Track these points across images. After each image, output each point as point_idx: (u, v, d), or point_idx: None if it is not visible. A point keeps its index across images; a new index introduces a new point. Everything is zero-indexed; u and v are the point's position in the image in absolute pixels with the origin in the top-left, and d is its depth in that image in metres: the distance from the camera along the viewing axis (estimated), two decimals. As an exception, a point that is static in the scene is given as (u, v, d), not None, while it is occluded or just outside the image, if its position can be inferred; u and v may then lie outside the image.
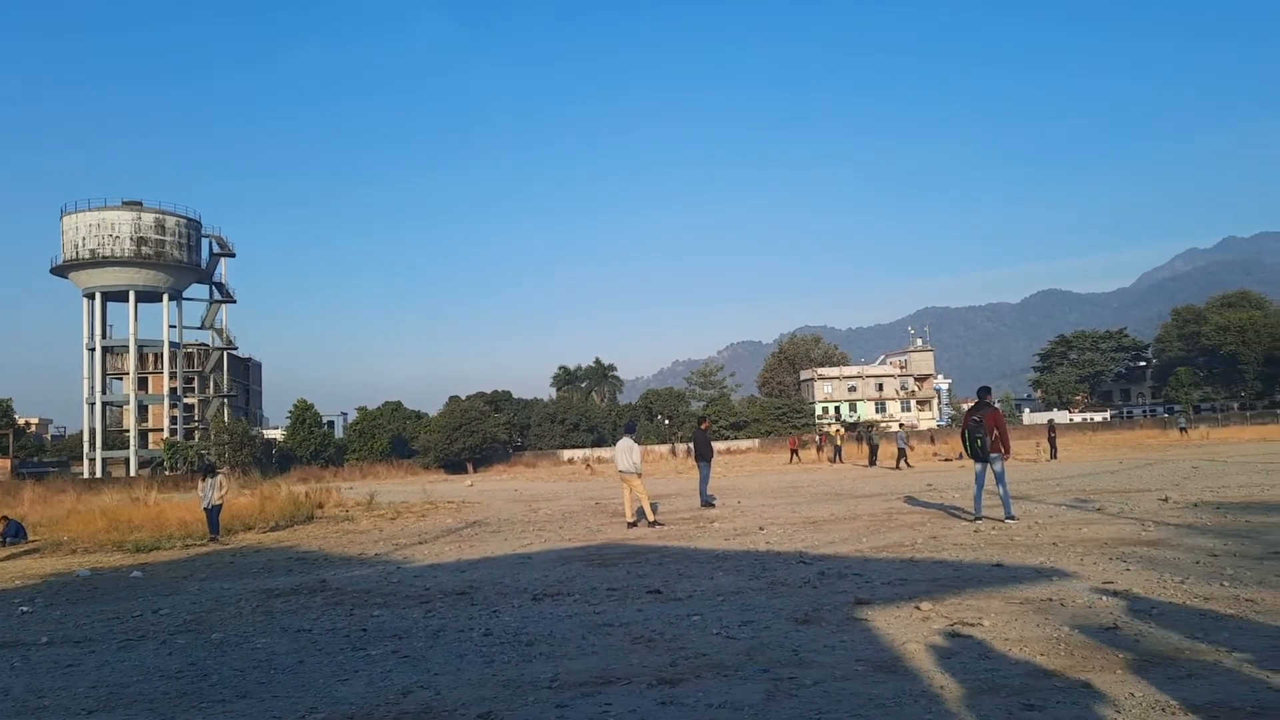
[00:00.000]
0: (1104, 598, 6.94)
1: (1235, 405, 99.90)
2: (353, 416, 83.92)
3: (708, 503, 18.70)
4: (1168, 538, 10.20)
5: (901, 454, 33.99)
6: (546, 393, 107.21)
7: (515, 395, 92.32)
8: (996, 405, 13.77)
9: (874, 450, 37.38)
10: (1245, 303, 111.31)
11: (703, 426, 20.88)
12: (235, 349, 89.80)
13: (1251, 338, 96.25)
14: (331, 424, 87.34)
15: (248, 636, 7.54)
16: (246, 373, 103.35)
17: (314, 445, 75.13)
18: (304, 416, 76.91)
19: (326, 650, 6.80)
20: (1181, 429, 60.05)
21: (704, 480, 19.36)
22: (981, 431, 13.08)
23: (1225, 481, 18.08)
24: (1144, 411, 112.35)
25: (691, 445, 22.14)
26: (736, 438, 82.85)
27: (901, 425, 62.38)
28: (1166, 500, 14.57)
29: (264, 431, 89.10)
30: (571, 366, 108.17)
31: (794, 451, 50.01)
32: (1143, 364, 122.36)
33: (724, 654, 5.91)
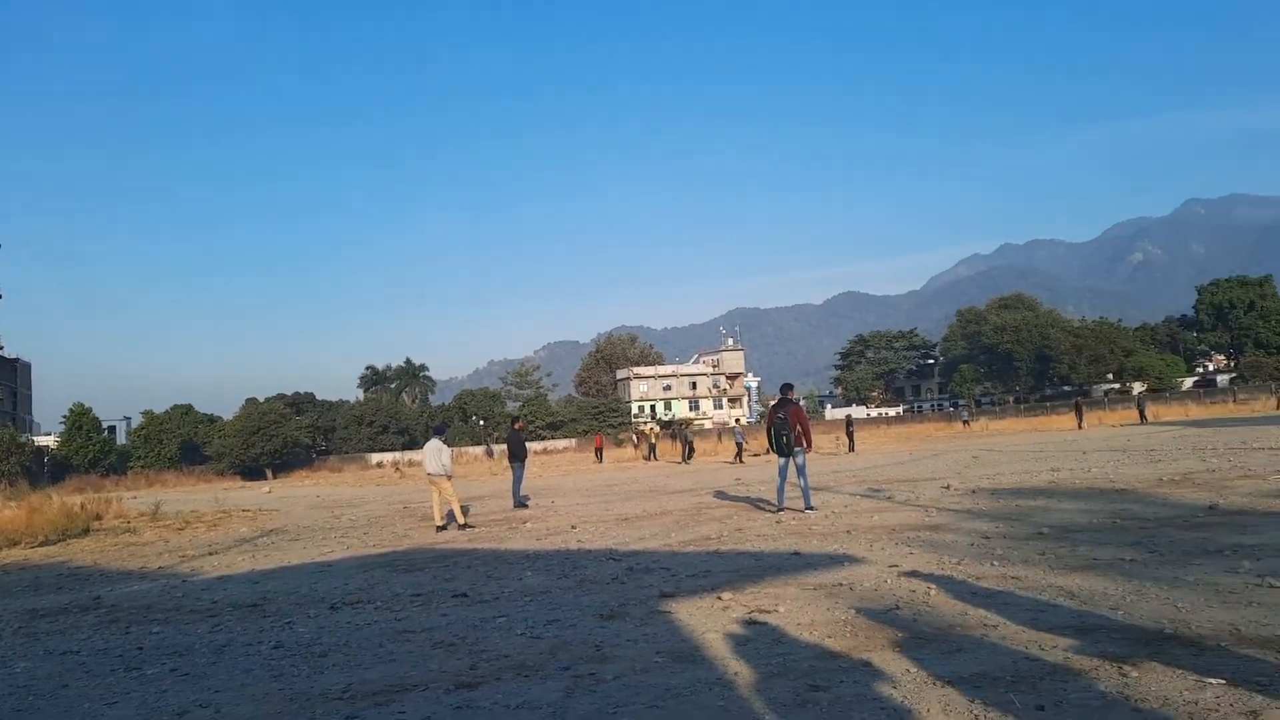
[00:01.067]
0: (888, 580, 7.35)
1: (1011, 399, 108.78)
2: (138, 421, 78.07)
3: (521, 504, 18.56)
4: (948, 522, 10.93)
5: (740, 449, 34.87)
6: (354, 394, 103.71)
7: (319, 397, 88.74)
8: (799, 402, 14.36)
9: (688, 447, 38.26)
10: (1019, 305, 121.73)
11: (516, 427, 20.75)
12: (1, 348, 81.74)
13: (1025, 336, 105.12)
14: (113, 429, 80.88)
15: (5, 661, 6.82)
16: (14, 374, 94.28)
17: (93, 453, 69.32)
18: (81, 422, 70.81)
19: (95, 672, 6.25)
20: (964, 422, 64.89)
21: (517, 481, 19.21)
22: (786, 428, 13.58)
23: (1000, 469, 19.61)
24: (932, 406, 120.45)
25: (505, 446, 21.96)
26: (553, 438, 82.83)
27: (738, 421, 64.76)
28: (948, 488, 15.64)
29: (34, 438, 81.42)
30: (380, 367, 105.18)
31: (599, 450, 49.83)
32: (931, 361, 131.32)
33: (527, 654, 5.84)
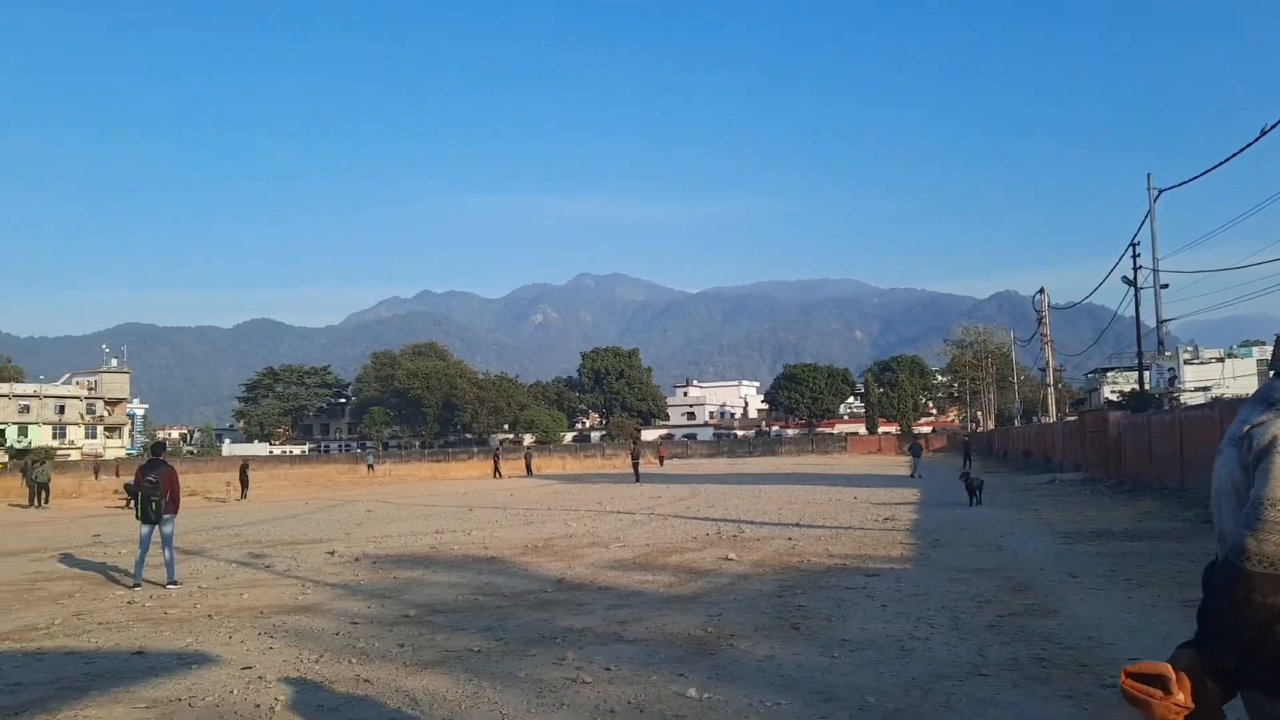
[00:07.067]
0: (235, 690, 6.77)
1: (418, 443, 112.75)
2: None
3: None
4: (322, 601, 10.61)
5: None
6: None
7: None
8: (170, 464, 13.12)
9: (39, 490, 32.33)
10: (432, 353, 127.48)
11: None
12: None
13: (435, 384, 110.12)
14: None
15: None
16: None
17: None
18: None
19: None
20: (370, 466, 65.39)
21: None
22: (157, 493, 12.40)
23: (390, 529, 19.84)
24: (340, 446, 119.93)
25: None
26: None
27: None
28: (333, 554, 15.32)
29: None
30: None
31: None
32: (343, 401, 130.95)
33: None
